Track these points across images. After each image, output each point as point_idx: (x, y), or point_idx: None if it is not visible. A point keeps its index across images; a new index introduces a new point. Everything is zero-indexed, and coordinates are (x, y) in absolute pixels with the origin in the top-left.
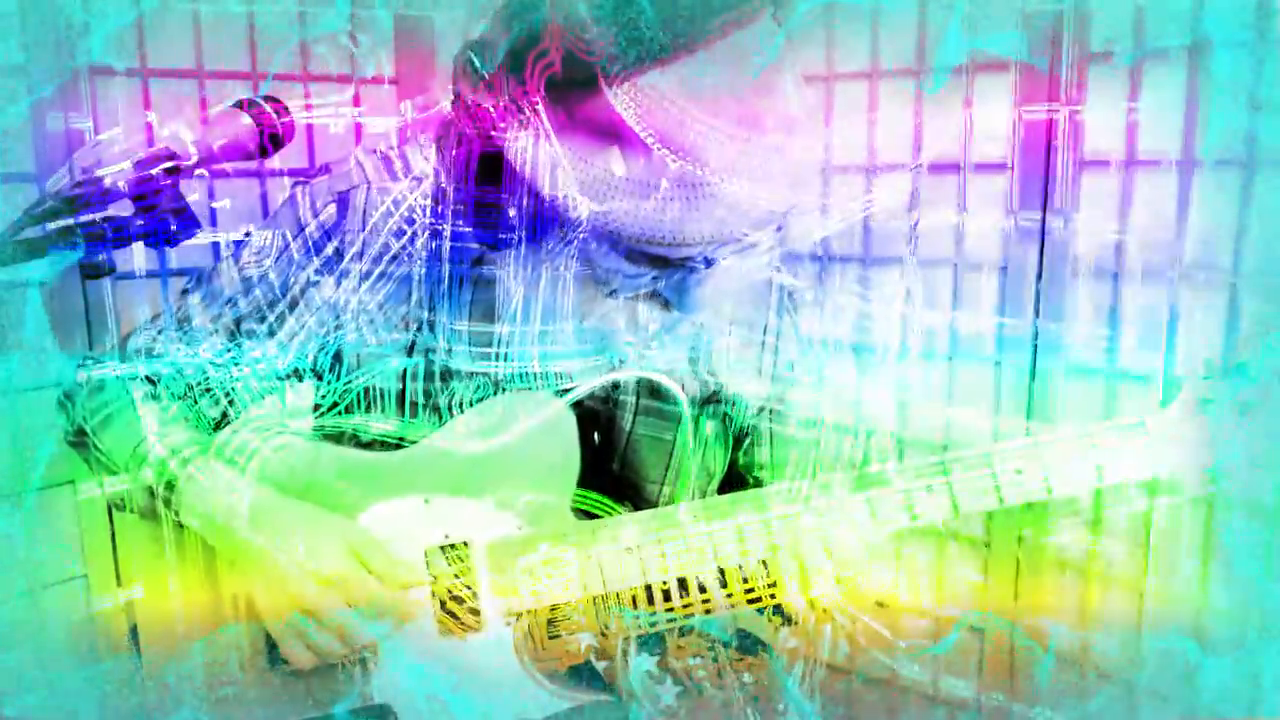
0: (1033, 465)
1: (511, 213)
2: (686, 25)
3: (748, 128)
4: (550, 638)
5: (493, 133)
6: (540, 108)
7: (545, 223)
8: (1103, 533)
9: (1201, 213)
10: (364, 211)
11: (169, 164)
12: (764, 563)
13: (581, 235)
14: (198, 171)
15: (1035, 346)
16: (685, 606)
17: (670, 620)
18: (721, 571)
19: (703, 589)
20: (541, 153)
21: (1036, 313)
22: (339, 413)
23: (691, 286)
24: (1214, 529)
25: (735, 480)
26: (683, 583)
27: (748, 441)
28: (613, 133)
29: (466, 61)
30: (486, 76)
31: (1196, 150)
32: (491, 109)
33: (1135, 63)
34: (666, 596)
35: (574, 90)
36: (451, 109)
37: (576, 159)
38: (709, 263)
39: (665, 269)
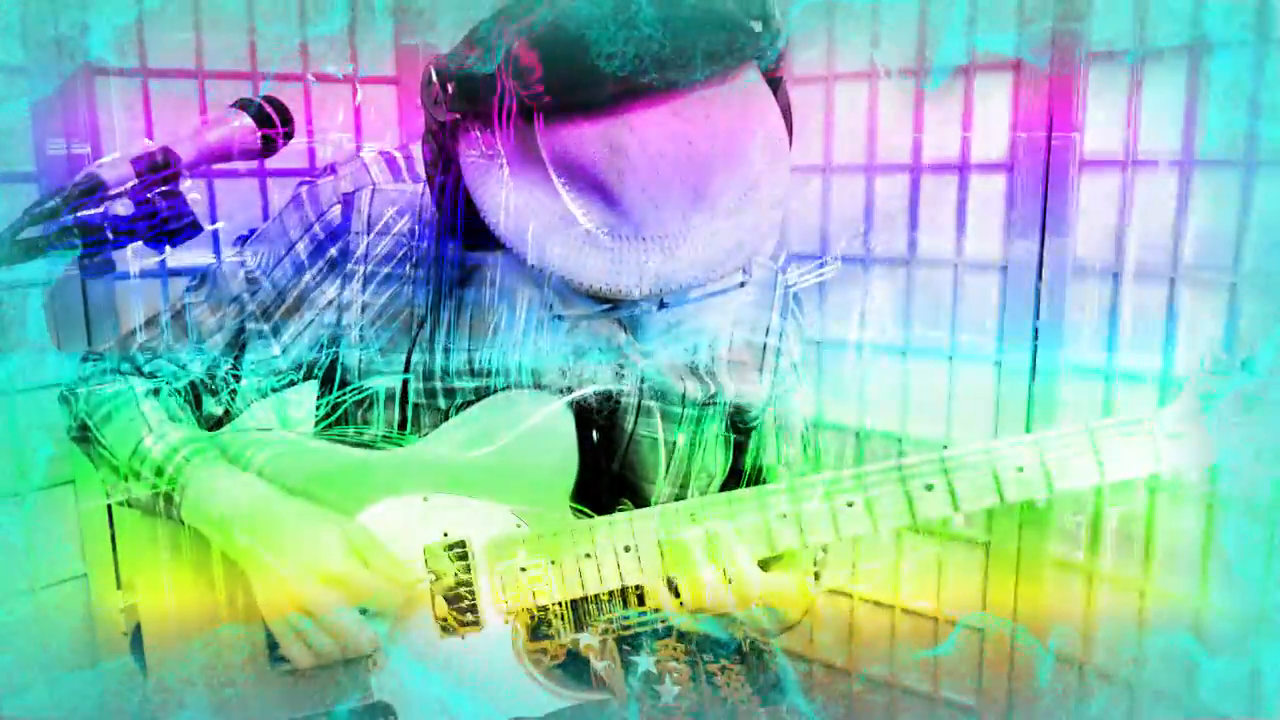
0: (1034, 462)
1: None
2: (657, 73)
3: (690, 193)
4: (544, 636)
5: (480, 158)
6: (504, 146)
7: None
8: (1103, 532)
9: (1201, 213)
10: (368, 214)
11: (166, 165)
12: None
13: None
14: (192, 192)
15: (1035, 346)
16: (653, 611)
17: (645, 622)
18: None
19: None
20: (493, 182)
21: (1036, 313)
22: (337, 419)
23: (645, 321)
24: (1214, 529)
25: (736, 482)
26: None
27: (749, 443)
28: (553, 172)
29: (426, 74)
30: (446, 97)
31: (1196, 150)
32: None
33: (1135, 63)
34: (641, 600)
35: (526, 132)
36: (426, 128)
37: (531, 201)
38: (663, 305)
39: (615, 305)
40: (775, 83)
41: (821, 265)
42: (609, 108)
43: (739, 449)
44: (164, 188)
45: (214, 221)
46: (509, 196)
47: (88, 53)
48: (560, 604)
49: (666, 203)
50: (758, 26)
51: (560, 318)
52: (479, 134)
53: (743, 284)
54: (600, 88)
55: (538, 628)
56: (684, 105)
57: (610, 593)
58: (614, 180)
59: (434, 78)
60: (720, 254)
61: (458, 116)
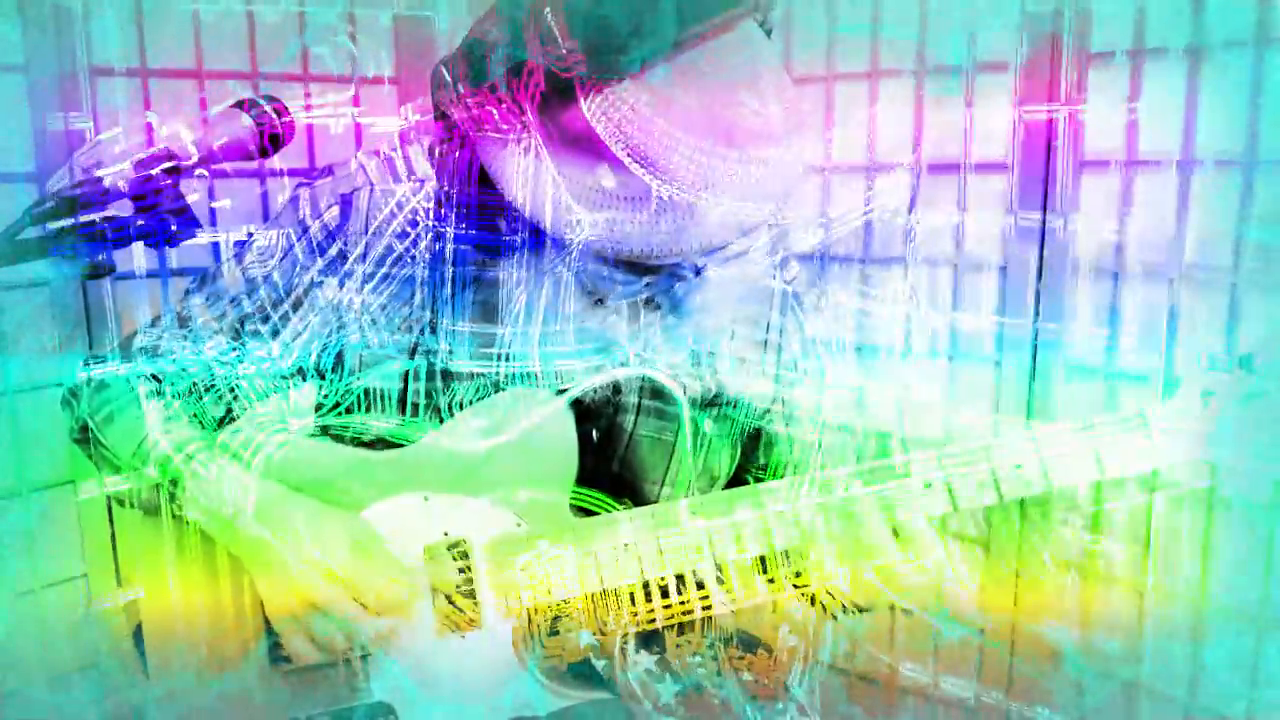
0: (1032, 459)
1: (513, 215)
2: (660, 31)
3: (726, 140)
4: (550, 634)
5: (495, 134)
6: (530, 120)
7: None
8: (1103, 531)
9: (1201, 213)
10: (367, 213)
11: (169, 164)
12: (787, 554)
13: (574, 248)
14: (198, 171)
15: (1035, 346)
16: (683, 604)
17: (668, 618)
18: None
19: (701, 585)
20: (530, 164)
21: (1036, 313)
22: (340, 413)
23: (682, 293)
24: (1214, 529)
25: (741, 481)
26: (682, 580)
27: (753, 442)
28: (594, 146)
29: (438, 74)
30: (460, 91)
31: (1196, 150)
32: (475, 115)
33: (1135, 63)
34: (665, 594)
35: (556, 103)
36: (439, 118)
37: (563, 171)
38: (699, 271)
39: (654, 276)
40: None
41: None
42: (627, 75)
43: (746, 448)
44: (164, 188)
45: (214, 221)
46: (541, 181)
47: (88, 53)
48: (560, 603)
49: (700, 152)
50: None
51: (602, 301)
52: (498, 122)
53: (774, 226)
54: (628, 53)
55: (551, 625)
56: (697, 55)
57: (616, 590)
58: (645, 144)
59: (446, 77)
60: (758, 203)
61: (475, 111)
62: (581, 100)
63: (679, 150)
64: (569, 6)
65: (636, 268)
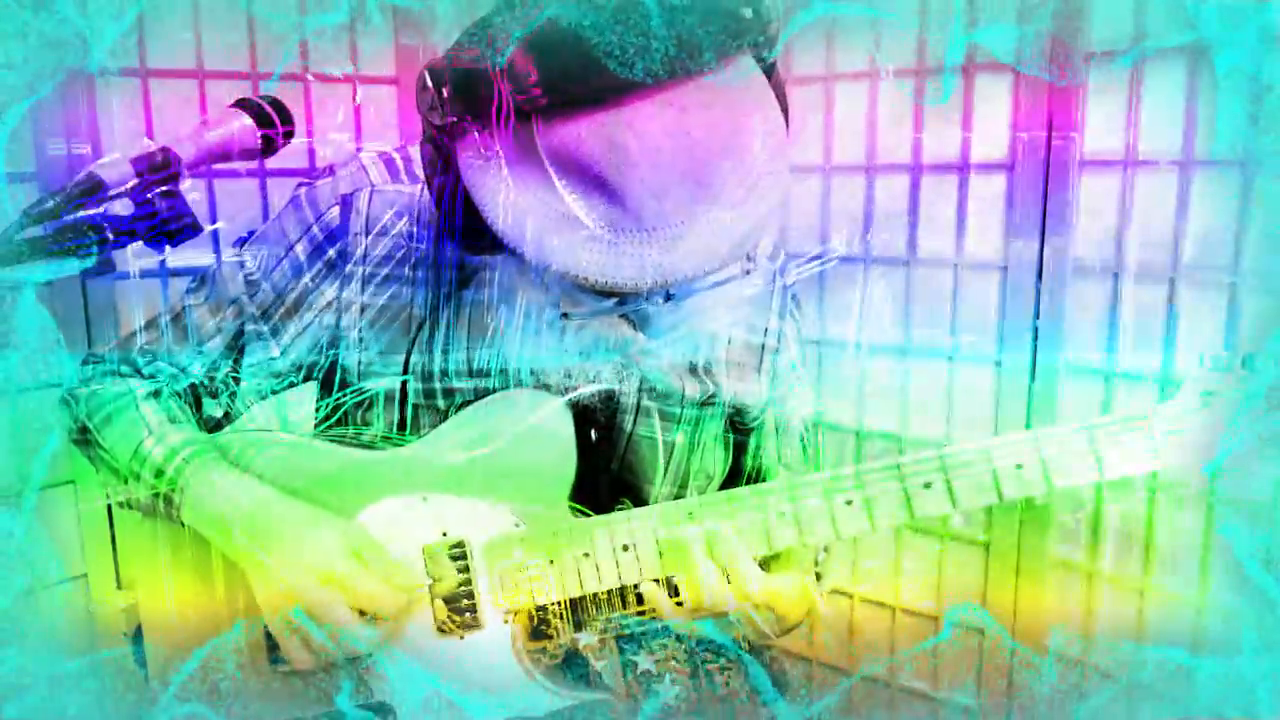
0: (1032, 460)
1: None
2: (653, 63)
3: (693, 181)
4: (548, 635)
5: (476, 158)
6: (501, 144)
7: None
8: (1103, 532)
9: (1201, 213)
10: (368, 214)
11: (167, 164)
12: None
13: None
14: (192, 192)
15: (1035, 346)
16: (680, 606)
17: (643, 623)
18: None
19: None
20: (504, 185)
21: (1036, 313)
22: (337, 420)
23: (653, 316)
24: (1214, 529)
25: (736, 482)
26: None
27: (749, 443)
28: (563, 172)
29: (420, 84)
30: (442, 101)
31: (1196, 150)
32: (446, 130)
33: (1135, 63)
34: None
35: (525, 130)
36: (424, 131)
37: (533, 195)
38: (669, 297)
39: (624, 297)
40: (769, 70)
41: (820, 257)
42: (605, 104)
43: (739, 449)
44: (164, 188)
45: (214, 221)
46: (509, 196)
47: (88, 53)
48: (559, 603)
49: (668, 195)
50: (748, 13)
51: (567, 316)
52: (477, 135)
53: (747, 272)
54: (597, 86)
55: (537, 627)
56: (679, 96)
57: (609, 592)
58: (614, 175)
59: (429, 83)
60: (723, 245)
61: (455, 120)
62: (536, 134)
63: (642, 185)
64: (535, 39)
65: (598, 291)
